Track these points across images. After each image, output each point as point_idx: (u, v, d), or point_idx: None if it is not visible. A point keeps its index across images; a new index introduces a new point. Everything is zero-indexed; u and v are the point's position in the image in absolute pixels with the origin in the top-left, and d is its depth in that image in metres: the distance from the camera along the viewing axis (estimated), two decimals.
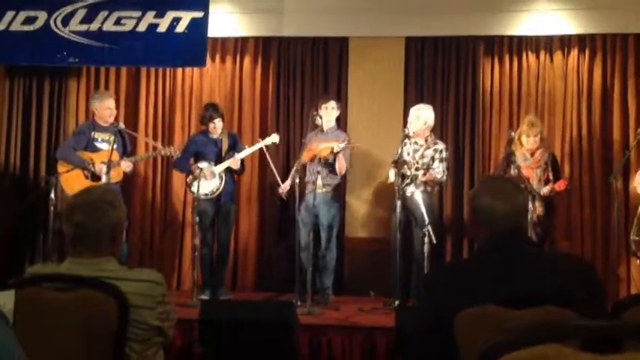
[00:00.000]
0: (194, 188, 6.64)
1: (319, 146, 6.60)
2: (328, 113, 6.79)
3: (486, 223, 2.52)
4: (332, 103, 6.83)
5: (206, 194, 6.69)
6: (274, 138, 6.85)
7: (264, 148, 6.94)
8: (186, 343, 5.25)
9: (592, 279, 2.42)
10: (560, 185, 6.40)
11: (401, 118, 7.38)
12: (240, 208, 7.75)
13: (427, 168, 6.49)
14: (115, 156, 6.55)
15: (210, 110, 6.89)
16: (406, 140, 6.59)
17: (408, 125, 6.57)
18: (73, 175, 6.51)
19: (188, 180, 6.87)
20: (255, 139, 7.33)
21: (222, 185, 6.73)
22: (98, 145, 6.70)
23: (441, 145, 6.64)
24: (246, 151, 6.90)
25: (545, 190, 6.40)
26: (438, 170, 6.49)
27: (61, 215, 2.70)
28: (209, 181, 6.70)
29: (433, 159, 6.54)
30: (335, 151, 6.51)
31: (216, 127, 6.86)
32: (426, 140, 6.59)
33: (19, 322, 2.46)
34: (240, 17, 7.83)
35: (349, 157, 6.82)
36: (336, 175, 6.74)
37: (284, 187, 6.84)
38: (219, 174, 6.73)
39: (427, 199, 6.32)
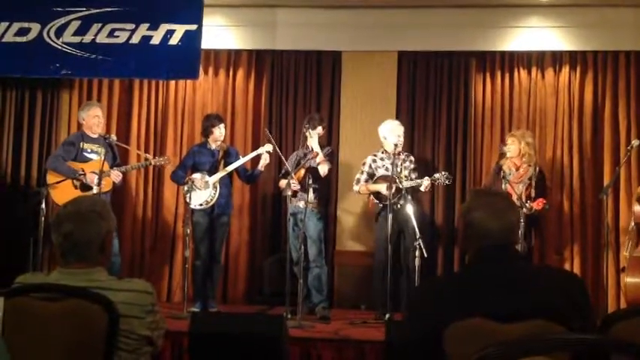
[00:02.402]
0: (187, 198, 6.63)
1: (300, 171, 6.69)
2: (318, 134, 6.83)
3: (479, 239, 2.52)
4: (319, 129, 6.83)
5: (200, 204, 6.68)
6: (268, 147, 6.83)
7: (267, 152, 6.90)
8: (176, 356, 5.23)
9: (581, 293, 2.42)
10: (539, 204, 6.38)
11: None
12: (232, 220, 7.75)
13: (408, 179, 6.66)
14: (105, 166, 6.55)
15: (212, 118, 6.92)
16: (382, 156, 6.76)
17: (398, 141, 6.61)
18: (62, 185, 6.48)
19: (183, 191, 6.85)
20: (247, 152, 7.35)
21: (216, 196, 6.71)
22: (87, 155, 6.67)
23: (412, 156, 6.90)
24: (240, 161, 6.88)
25: (524, 209, 6.38)
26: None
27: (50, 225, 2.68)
28: (203, 192, 6.68)
29: (411, 170, 6.73)
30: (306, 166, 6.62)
31: (221, 133, 6.87)
32: (399, 154, 6.64)
33: (7, 331, 2.45)
34: (234, 30, 7.86)
35: (325, 165, 6.79)
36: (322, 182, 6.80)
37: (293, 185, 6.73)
38: (214, 184, 6.71)
39: (418, 212, 6.39)
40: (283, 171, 6.91)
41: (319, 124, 6.81)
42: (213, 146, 6.89)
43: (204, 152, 6.90)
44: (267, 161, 6.80)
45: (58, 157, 6.71)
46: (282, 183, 6.83)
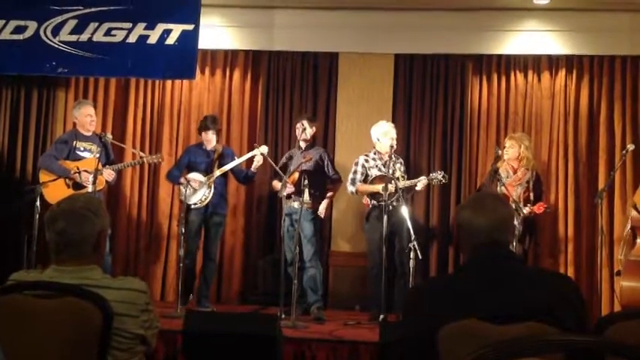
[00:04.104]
0: (182, 197, 6.67)
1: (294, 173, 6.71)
2: (305, 132, 6.84)
3: (470, 237, 2.52)
4: (305, 123, 6.86)
5: (195, 204, 6.69)
6: (263, 149, 6.84)
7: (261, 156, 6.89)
8: (169, 355, 5.22)
9: (575, 296, 2.43)
10: (540, 208, 6.46)
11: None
12: (227, 220, 7.75)
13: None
14: (99, 165, 6.55)
15: (206, 121, 6.97)
16: (374, 157, 6.78)
17: (393, 143, 6.63)
18: (54, 184, 6.47)
19: (178, 190, 6.87)
20: (242, 152, 7.35)
21: (211, 196, 6.72)
22: (80, 153, 6.68)
23: (401, 159, 6.94)
24: (235, 162, 6.88)
25: (525, 211, 6.43)
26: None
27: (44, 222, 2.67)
28: (198, 191, 6.69)
29: (401, 172, 6.74)
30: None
31: (209, 138, 6.90)
32: (391, 156, 6.65)
33: (1, 328, 2.44)
34: (231, 30, 7.85)
35: (334, 168, 6.95)
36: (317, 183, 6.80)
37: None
38: (209, 184, 6.72)
39: (412, 214, 6.40)
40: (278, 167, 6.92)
41: (305, 118, 6.94)
42: (209, 147, 6.90)
43: (199, 152, 6.93)
44: (261, 162, 6.81)
45: (50, 156, 6.71)
46: (276, 184, 6.84)
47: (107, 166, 6.68)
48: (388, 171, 6.49)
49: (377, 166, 6.74)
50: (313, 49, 7.87)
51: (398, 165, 6.76)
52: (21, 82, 7.83)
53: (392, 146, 6.61)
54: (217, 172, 6.77)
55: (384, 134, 6.73)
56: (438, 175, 6.57)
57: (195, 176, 6.77)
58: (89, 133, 6.76)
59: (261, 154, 6.80)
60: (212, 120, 7.01)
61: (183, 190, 6.64)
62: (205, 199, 6.71)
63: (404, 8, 7.63)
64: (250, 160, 6.96)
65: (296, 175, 6.66)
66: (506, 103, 7.68)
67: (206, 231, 6.87)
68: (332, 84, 7.86)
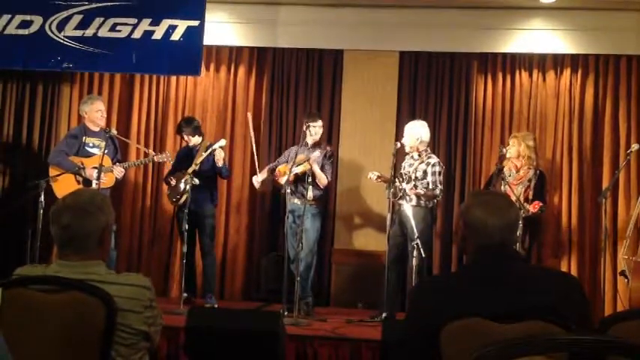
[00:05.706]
0: (169, 196, 6.90)
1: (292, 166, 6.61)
2: (315, 132, 6.80)
3: (478, 237, 2.51)
4: (315, 124, 6.81)
5: (174, 201, 6.83)
6: (221, 142, 6.79)
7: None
8: (172, 351, 5.23)
9: (579, 295, 2.43)
10: (535, 207, 6.41)
11: (393, 131, 7.44)
12: (230, 217, 7.77)
13: (415, 181, 6.49)
14: (107, 161, 6.54)
15: (180, 125, 7.11)
16: (405, 156, 6.67)
17: (403, 140, 6.60)
18: (64, 179, 6.50)
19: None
20: (247, 149, 7.36)
21: (187, 193, 6.64)
22: (89, 149, 6.69)
23: (433, 159, 6.61)
24: (199, 159, 6.74)
25: (522, 211, 6.41)
26: (429, 187, 6.48)
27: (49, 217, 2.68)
28: (176, 189, 6.77)
29: (425, 172, 6.53)
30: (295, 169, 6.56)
31: (186, 140, 7.02)
32: (420, 155, 6.61)
33: (5, 322, 2.45)
34: (236, 27, 7.85)
35: (330, 170, 6.86)
36: (319, 187, 6.76)
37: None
38: (185, 181, 6.68)
39: (420, 213, 6.34)
40: (272, 165, 6.92)
41: (319, 118, 6.89)
42: (190, 145, 7.00)
43: (186, 152, 7.06)
44: (222, 155, 6.79)
45: (61, 152, 6.72)
46: (255, 179, 6.93)
47: (117, 163, 6.69)
48: (394, 169, 6.46)
49: (404, 165, 6.67)
50: (318, 46, 7.86)
51: (422, 165, 6.54)
52: (26, 76, 7.84)
53: (398, 143, 6.57)
54: (191, 168, 6.72)
55: None
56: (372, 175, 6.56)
57: (176, 175, 6.90)
58: (97, 129, 6.77)
59: (220, 147, 6.74)
60: (185, 122, 7.06)
61: (170, 189, 6.87)
62: (180, 196, 6.73)
63: (409, 6, 7.62)
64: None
65: (287, 168, 6.63)
66: (510, 101, 7.67)
67: (197, 227, 6.91)
68: (336, 81, 7.85)
